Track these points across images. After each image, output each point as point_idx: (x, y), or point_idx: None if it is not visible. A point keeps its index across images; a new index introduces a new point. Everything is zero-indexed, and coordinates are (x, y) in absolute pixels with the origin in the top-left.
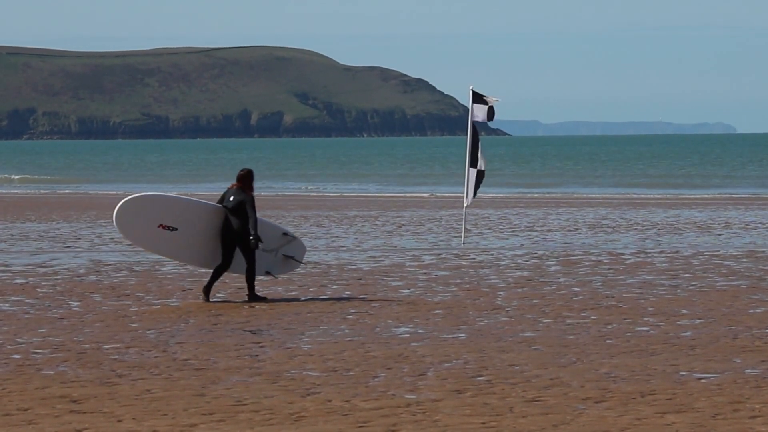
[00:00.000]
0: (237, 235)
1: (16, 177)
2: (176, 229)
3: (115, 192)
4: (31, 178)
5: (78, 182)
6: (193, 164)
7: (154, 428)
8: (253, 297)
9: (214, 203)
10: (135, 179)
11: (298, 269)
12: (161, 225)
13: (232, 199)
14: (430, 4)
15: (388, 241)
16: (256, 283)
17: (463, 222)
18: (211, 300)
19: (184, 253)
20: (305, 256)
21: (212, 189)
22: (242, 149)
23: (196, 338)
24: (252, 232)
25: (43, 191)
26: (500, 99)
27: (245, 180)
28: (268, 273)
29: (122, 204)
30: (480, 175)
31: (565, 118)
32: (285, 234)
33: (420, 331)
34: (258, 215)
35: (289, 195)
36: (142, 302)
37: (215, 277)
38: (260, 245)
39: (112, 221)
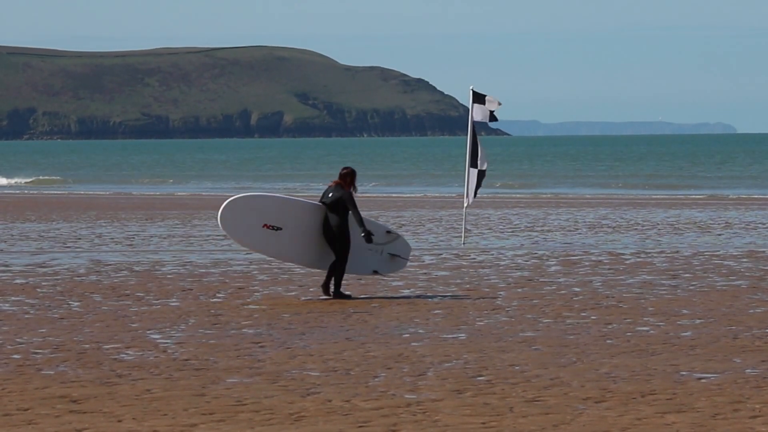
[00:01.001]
0: (334, 232)
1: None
2: (281, 229)
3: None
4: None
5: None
6: (233, 162)
7: (154, 428)
8: (339, 294)
9: (317, 202)
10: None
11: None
12: (266, 225)
13: (330, 195)
14: (430, 3)
15: None
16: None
17: (463, 222)
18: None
19: (289, 253)
20: (410, 253)
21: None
22: (268, 147)
23: (196, 338)
24: (361, 228)
25: (45, 191)
26: (501, 102)
27: (346, 178)
28: (375, 272)
29: (226, 204)
30: (481, 175)
31: (565, 118)
32: (388, 232)
33: (420, 331)
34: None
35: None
36: (142, 302)
37: (337, 275)
38: (368, 244)
39: (217, 221)
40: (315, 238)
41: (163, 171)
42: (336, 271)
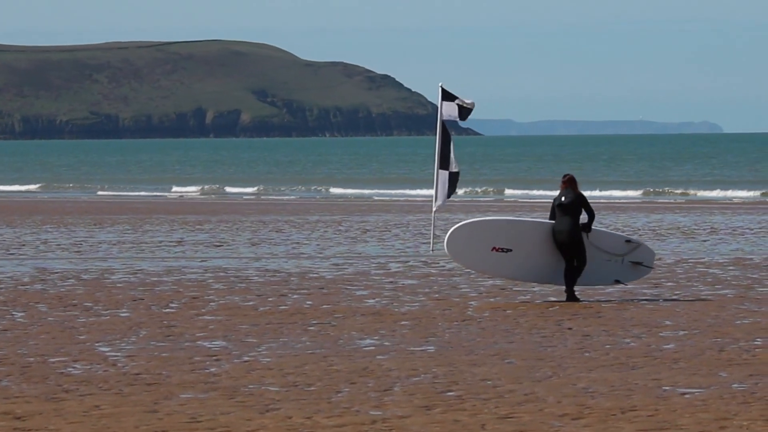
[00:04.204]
0: (568, 235)
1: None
2: (511, 251)
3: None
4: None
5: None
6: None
7: None
8: (571, 295)
9: (544, 220)
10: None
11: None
12: (495, 248)
13: (563, 199)
14: None
15: (352, 247)
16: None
17: (432, 227)
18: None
19: (522, 272)
20: (654, 260)
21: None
22: (222, 148)
23: (147, 351)
24: (589, 229)
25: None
26: (473, 101)
27: (573, 182)
28: (617, 281)
29: (452, 231)
30: (454, 177)
31: (541, 116)
32: (628, 241)
33: (386, 343)
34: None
35: (247, 199)
36: (90, 313)
37: (575, 275)
38: (605, 254)
39: (444, 248)
40: (547, 254)
41: (118, 174)
42: (572, 273)
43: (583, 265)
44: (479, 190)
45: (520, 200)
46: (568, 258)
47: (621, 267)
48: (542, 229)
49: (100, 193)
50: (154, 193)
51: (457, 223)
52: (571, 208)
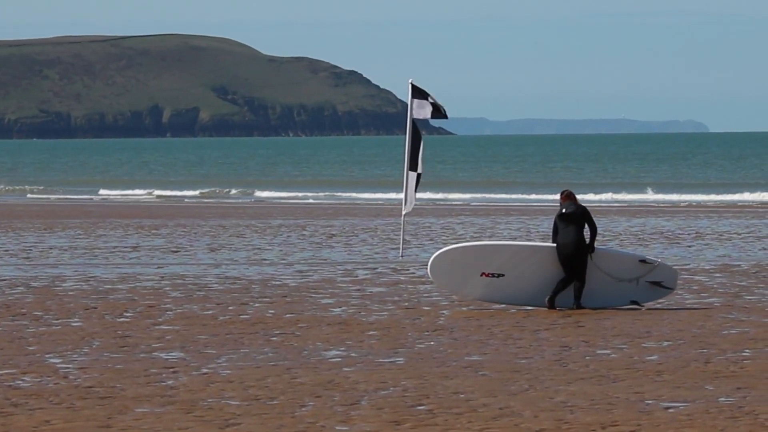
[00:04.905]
0: (572, 247)
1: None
2: (503, 275)
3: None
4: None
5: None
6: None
7: None
8: (580, 306)
9: (538, 243)
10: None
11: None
12: (485, 273)
13: (564, 210)
14: None
15: (317, 253)
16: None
17: (402, 232)
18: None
19: (516, 297)
20: (677, 280)
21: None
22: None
23: (101, 363)
24: (592, 246)
25: None
26: (444, 107)
27: (572, 196)
28: (634, 303)
29: (437, 256)
30: (418, 179)
31: (517, 115)
32: (643, 261)
33: (353, 354)
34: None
35: (207, 202)
36: (40, 322)
37: (562, 287)
38: (617, 278)
39: (427, 274)
40: (543, 276)
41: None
42: (576, 287)
43: (582, 284)
44: (450, 196)
45: (492, 204)
46: (570, 274)
47: (637, 288)
48: (537, 253)
49: (29, 196)
50: (81, 196)
51: (441, 247)
52: (575, 218)
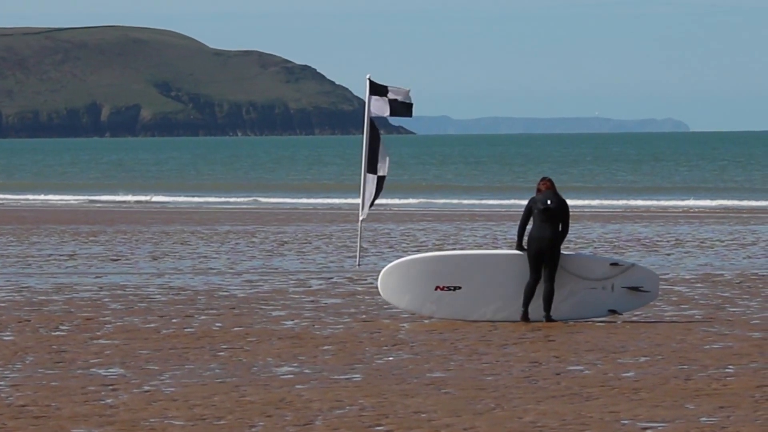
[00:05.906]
0: (549, 244)
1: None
2: (460, 288)
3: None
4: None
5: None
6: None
7: None
8: (550, 319)
9: (495, 251)
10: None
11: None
12: (439, 287)
13: (549, 202)
14: None
15: (268, 261)
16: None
17: (359, 239)
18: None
19: (475, 311)
20: (657, 283)
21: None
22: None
23: (35, 379)
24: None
25: None
26: (408, 88)
27: (554, 185)
28: (613, 312)
29: (386, 271)
30: (380, 182)
31: (481, 113)
32: (614, 264)
33: (306, 371)
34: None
35: (150, 207)
36: None
37: (531, 293)
38: (586, 282)
39: (377, 290)
40: (504, 287)
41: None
42: (546, 294)
43: (552, 290)
44: (411, 201)
45: (455, 209)
46: (537, 271)
47: (613, 294)
48: (493, 262)
49: None
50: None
51: (398, 257)
52: (557, 215)
